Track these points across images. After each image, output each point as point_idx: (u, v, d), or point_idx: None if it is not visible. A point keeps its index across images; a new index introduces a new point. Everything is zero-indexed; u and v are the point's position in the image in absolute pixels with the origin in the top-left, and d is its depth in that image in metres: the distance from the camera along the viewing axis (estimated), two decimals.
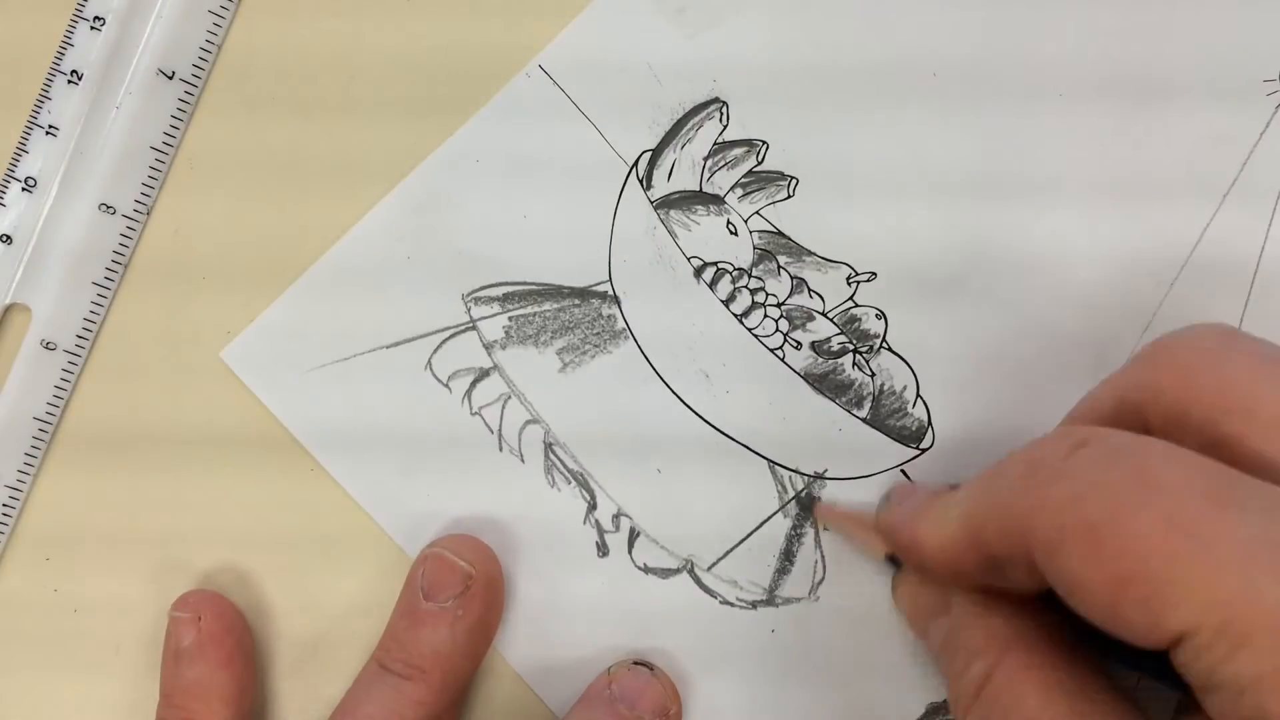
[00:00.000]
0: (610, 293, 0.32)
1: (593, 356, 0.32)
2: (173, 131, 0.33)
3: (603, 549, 0.32)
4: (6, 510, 0.33)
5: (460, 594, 0.30)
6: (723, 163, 0.32)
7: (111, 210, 0.33)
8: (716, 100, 0.32)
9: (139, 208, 0.33)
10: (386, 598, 0.31)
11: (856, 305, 0.32)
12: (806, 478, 0.32)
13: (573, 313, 0.32)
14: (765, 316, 0.32)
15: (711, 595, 0.32)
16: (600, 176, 0.32)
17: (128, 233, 0.33)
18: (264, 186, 0.33)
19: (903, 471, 0.32)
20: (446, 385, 0.32)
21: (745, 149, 0.32)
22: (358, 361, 0.32)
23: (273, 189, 0.33)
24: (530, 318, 0.32)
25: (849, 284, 0.32)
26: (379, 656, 0.30)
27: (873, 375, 0.32)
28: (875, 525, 0.29)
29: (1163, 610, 0.20)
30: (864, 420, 0.32)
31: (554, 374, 0.32)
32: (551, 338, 0.32)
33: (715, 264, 0.32)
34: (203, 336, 0.33)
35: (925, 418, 0.32)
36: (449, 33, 0.33)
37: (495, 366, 0.32)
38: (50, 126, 0.33)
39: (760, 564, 0.32)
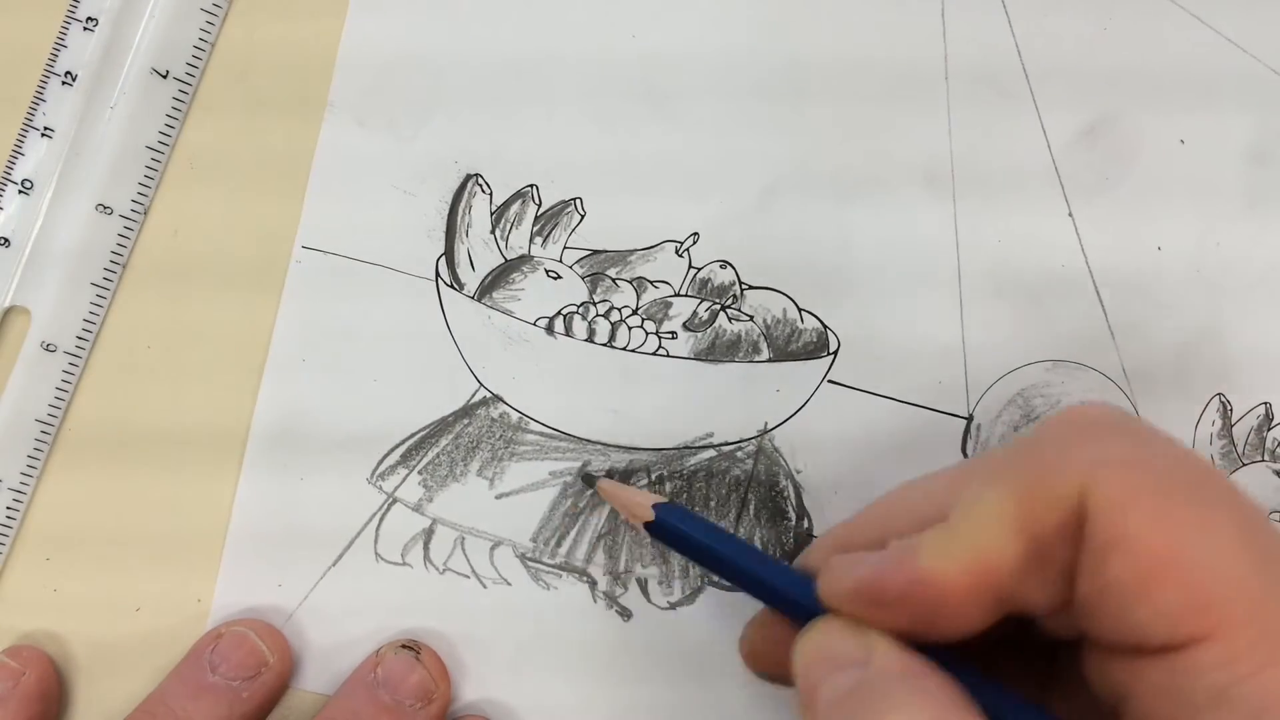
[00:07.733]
0: (488, 395, 0.32)
1: (508, 458, 0.32)
2: (168, 131, 0.33)
3: (625, 614, 0.32)
4: (11, 513, 0.32)
5: (251, 677, 0.30)
6: (509, 225, 0.32)
7: (109, 211, 0.32)
8: (469, 176, 0.32)
9: (136, 208, 0.33)
10: None
11: (699, 269, 0.32)
12: (754, 440, 0.32)
13: (468, 433, 0.32)
14: (629, 329, 0.32)
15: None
16: (416, 305, 0.32)
17: (125, 233, 0.33)
18: (262, 184, 0.33)
19: (828, 379, 0.32)
20: (404, 563, 0.32)
21: (519, 201, 0.32)
22: (317, 593, 0.32)
23: (271, 187, 0.33)
24: (437, 461, 0.32)
25: (680, 255, 0.32)
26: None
27: (750, 317, 0.32)
28: (842, 595, 0.24)
29: (1206, 606, 0.20)
30: (771, 360, 0.32)
31: (486, 494, 0.32)
32: (465, 465, 0.32)
33: (558, 313, 0.32)
34: (202, 336, 0.33)
35: (819, 325, 0.32)
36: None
37: (434, 520, 0.32)
38: (45, 128, 0.32)
39: (768, 541, 0.32)
